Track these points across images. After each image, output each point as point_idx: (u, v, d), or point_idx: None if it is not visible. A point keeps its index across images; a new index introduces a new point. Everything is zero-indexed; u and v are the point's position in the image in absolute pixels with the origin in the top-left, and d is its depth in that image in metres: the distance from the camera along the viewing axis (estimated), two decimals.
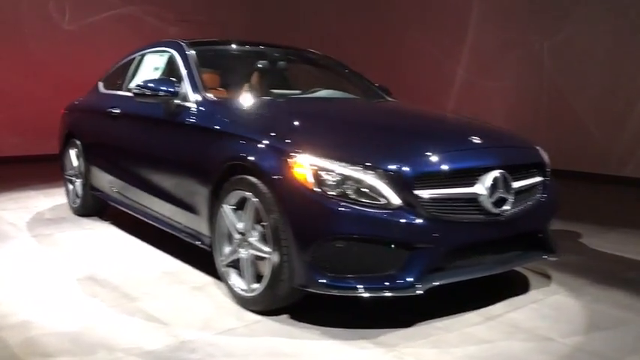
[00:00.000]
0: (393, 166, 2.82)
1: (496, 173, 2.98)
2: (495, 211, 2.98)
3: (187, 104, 3.72)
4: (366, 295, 2.80)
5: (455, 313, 3.09)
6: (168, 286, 3.49)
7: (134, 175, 4.30)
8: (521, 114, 8.30)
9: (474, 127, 3.73)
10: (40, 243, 4.46)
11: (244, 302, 3.12)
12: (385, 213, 2.76)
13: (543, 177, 3.36)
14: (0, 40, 8.99)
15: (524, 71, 8.34)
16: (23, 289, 3.46)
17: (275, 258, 2.88)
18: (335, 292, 2.80)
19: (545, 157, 3.46)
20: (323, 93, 4.41)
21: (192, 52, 4.11)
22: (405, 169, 2.82)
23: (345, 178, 2.78)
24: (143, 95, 3.79)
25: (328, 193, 2.76)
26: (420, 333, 2.87)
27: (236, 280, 3.19)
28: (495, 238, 3.09)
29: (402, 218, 2.77)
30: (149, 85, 3.78)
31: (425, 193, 2.82)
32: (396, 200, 2.78)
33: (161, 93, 3.76)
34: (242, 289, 3.13)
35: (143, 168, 4.19)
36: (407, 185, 2.79)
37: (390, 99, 4.63)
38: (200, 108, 3.64)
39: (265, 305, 3.03)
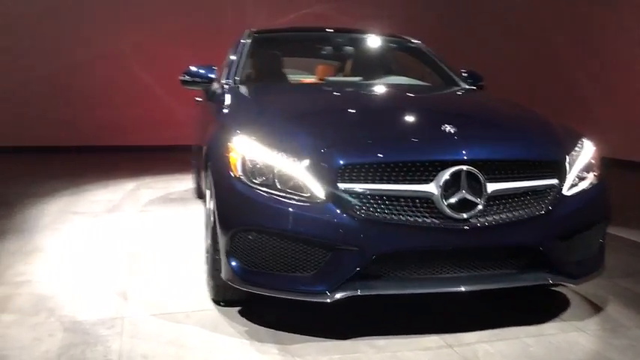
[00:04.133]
0: (320, 156, 2.49)
1: (456, 169, 2.44)
2: (455, 216, 2.44)
3: (218, 90, 3.77)
4: (277, 295, 2.54)
5: (417, 333, 2.63)
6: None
7: None
8: None
9: (482, 114, 3.24)
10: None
11: (209, 290, 3.06)
12: (305, 207, 2.45)
13: (558, 180, 2.65)
14: (204, 42, 10.06)
15: None
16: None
17: (210, 247, 2.77)
18: (250, 289, 2.59)
19: (569, 154, 2.75)
20: (383, 80, 4.08)
21: (246, 41, 4.14)
22: (331, 159, 2.47)
23: (269, 167, 2.54)
24: (186, 82, 3.93)
25: (253, 181, 2.55)
26: (346, 348, 2.51)
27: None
28: (456, 249, 2.53)
29: (324, 215, 2.44)
30: (190, 71, 3.91)
31: (355, 188, 2.44)
32: (320, 194, 2.45)
33: (198, 79, 3.86)
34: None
35: None
36: (332, 178, 2.44)
37: (463, 87, 4.06)
38: (221, 95, 3.65)
39: (215, 296, 2.94)
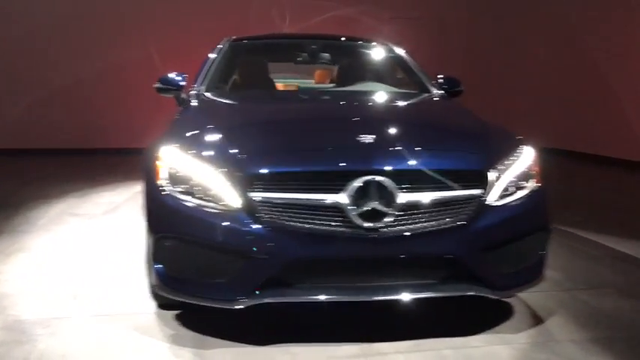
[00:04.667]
0: (235, 165, 2.54)
1: (365, 179, 2.45)
2: (364, 225, 2.45)
3: (184, 97, 3.86)
4: (193, 302, 2.60)
5: (336, 341, 2.65)
6: None
7: None
8: None
9: (416, 123, 3.23)
10: None
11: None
12: (219, 216, 2.51)
13: (482, 190, 2.61)
14: None
15: None
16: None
17: (145, 253, 2.86)
18: (170, 295, 2.67)
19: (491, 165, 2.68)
20: (353, 87, 4.09)
21: (221, 48, 4.23)
22: (244, 168, 2.52)
23: (190, 176, 2.60)
24: (160, 89, 4.03)
25: (175, 189, 2.62)
26: (261, 355, 2.55)
27: None
28: (368, 258, 2.52)
29: (236, 223, 2.49)
30: (163, 79, 4.01)
31: (266, 197, 2.48)
32: (234, 203, 2.50)
33: (170, 87, 3.96)
34: None
35: None
36: (245, 187, 2.49)
37: (432, 94, 4.01)
38: (182, 102, 3.74)
39: (155, 299, 3.03)
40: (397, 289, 2.56)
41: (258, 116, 3.33)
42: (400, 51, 4.50)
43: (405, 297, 2.56)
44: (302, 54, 4.39)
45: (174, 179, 2.62)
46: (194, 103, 3.62)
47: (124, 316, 2.94)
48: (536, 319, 2.96)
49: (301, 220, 2.46)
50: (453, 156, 2.72)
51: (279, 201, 2.47)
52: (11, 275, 3.57)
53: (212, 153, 2.64)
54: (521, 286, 2.79)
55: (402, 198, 2.48)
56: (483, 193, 2.61)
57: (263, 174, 2.49)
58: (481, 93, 10.28)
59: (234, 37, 4.43)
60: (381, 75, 4.34)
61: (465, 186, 2.59)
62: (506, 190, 2.71)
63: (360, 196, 2.44)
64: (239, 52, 4.41)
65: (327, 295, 2.52)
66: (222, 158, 2.59)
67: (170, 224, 2.61)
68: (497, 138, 2.94)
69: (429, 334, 2.73)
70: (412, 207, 2.51)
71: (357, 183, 2.44)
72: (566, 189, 6.76)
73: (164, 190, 2.62)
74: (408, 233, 2.49)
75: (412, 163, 2.57)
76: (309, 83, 4.89)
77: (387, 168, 2.50)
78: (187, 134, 2.86)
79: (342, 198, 2.44)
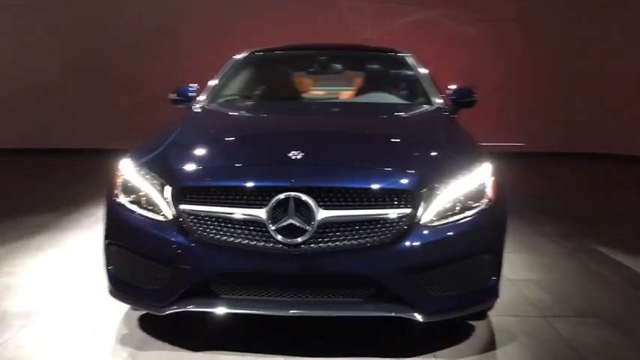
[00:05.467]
0: (172, 178, 2.69)
1: (283, 196, 2.50)
2: (283, 241, 2.50)
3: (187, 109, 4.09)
4: (132, 306, 2.78)
5: (267, 352, 2.72)
6: None
7: None
8: None
9: (366, 140, 3.19)
10: None
11: None
12: (153, 226, 2.66)
13: (413, 209, 2.56)
14: None
15: None
16: None
17: None
18: (117, 298, 2.85)
19: (415, 181, 2.60)
20: (357, 98, 4.12)
21: (235, 60, 4.42)
22: (176, 181, 2.66)
23: (137, 187, 2.77)
24: (174, 101, 4.29)
25: (125, 198, 2.80)
26: None
27: None
28: (287, 273, 2.56)
29: (165, 234, 2.63)
30: (177, 90, 4.26)
31: (193, 209, 2.60)
32: (168, 214, 2.66)
33: (182, 98, 4.19)
34: None
35: None
36: (176, 199, 2.63)
37: (428, 106, 3.94)
38: (184, 114, 3.96)
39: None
40: (318, 306, 2.58)
41: (222, 129, 3.46)
42: (411, 60, 4.42)
43: (326, 314, 2.58)
44: (312, 65, 4.47)
45: (126, 189, 2.81)
46: (185, 114, 3.83)
47: (101, 315, 3.16)
48: (487, 345, 2.84)
49: (225, 233, 2.56)
50: (380, 174, 2.66)
51: (204, 214, 2.58)
52: (22, 269, 3.93)
53: (157, 165, 2.80)
54: (457, 311, 2.69)
55: (322, 215, 2.49)
56: (412, 213, 2.55)
57: (191, 187, 2.62)
58: (571, 99, 9.74)
59: (252, 50, 4.60)
60: (390, 85, 4.31)
61: (390, 205, 2.55)
62: (450, 209, 2.63)
63: (279, 212, 2.50)
64: (253, 64, 4.57)
65: (249, 308, 2.59)
66: (163, 171, 2.75)
67: (116, 231, 2.80)
68: (448, 155, 2.87)
69: (363, 353, 2.72)
70: (332, 224, 2.51)
71: (276, 199, 2.50)
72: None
73: (117, 199, 2.83)
74: (327, 250, 2.50)
75: (334, 180, 2.57)
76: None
77: (308, 185, 2.52)
78: (148, 146, 3.05)
79: (262, 213, 2.51)
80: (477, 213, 2.69)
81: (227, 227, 2.56)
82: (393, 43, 9.85)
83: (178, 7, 10.18)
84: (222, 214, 2.56)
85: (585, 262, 4.17)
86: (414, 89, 4.19)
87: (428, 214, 2.59)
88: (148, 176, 2.76)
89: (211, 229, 2.57)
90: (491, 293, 2.77)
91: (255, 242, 2.53)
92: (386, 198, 2.55)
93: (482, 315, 3.09)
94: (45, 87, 10.28)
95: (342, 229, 2.52)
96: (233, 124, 3.63)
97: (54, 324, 3.08)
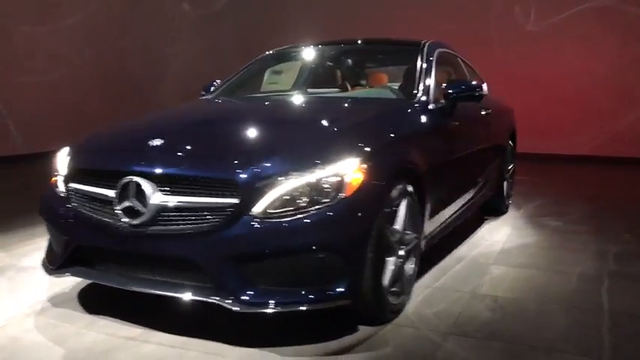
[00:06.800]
0: (69, 158, 3.11)
1: (126, 179, 2.72)
2: (125, 221, 2.72)
3: None
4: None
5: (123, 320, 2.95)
6: None
7: None
8: None
9: (256, 131, 3.26)
10: None
11: None
12: (55, 200, 3.08)
13: (242, 199, 2.57)
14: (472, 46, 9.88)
15: None
16: None
17: None
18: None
19: (244, 176, 2.59)
20: (351, 92, 4.16)
21: (260, 57, 4.67)
22: (69, 161, 3.07)
23: (63, 166, 3.17)
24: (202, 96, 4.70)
25: (57, 177, 3.18)
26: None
27: None
28: (131, 252, 2.77)
29: (59, 207, 3.03)
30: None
31: (74, 187, 2.98)
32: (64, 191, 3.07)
33: (205, 93, 4.61)
34: None
35: None
36: (65, 178, 3.05)
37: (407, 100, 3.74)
38: None
39: None
40: (153, 284, 2.75)
41: (154, 119, 3.76)
42: (426, 51, 4.15)
43: (158, 293, 2.72)
44: (323, 60, 4.50)
45: (60, 169, 3.27)
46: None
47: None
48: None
49: (90, 210, 2.88)
50: (211, 163, 2.73)
51: (80, 192, 2.94)
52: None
53: (76, 147, 3.21)
54: (285, 306, 2.60)
55: (156, 199, 2.65)
56: (241, 203, 2.56)
57: (73, 168, 3.01)
58: None
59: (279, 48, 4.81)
60: (388, 80, 4.17)
61: (217, 194, 2.60)
62: (291, 202, 2.59)
63: (124, 194, 2.72)
64: (270, 60, 4.77)
65: (103, 280, 2.89)
66: (73, 152, 3.16)
67: (41, 206, 3.24)
68: (308, 149, 2.81)
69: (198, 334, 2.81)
70: (166, 209, 2.65)
71: (121, 182, 2.73)
72: None
73: (52, 178, 3.31)
74: (160, 233, 2.66)
75: (168, 167, 2.71)
76: None
77: (147, 170, 2.71)
78: (96, 131, 3.49)
79: (112, 194, 2.76)
80: (322, 209, 2.59)
81: (92, 205, 2.88)
82: (559, 34, 9.09)
83: None
84: (89, 193, 2.90)
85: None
86: (411, 84, 3.94)
87: (261, 205, 2.57)
88: (67, 157, 3.19)
89: (84, 206, 2.92)
90: (336, 295, 2.63)
91: (107, 220, 2.79)
92: (213, 186, 2.62)
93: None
94: None
95: (173, 214, 2.66)
96: (168, 115, 3.92)
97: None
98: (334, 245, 2.61)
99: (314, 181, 2.61)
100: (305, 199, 2.59)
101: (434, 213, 3.53)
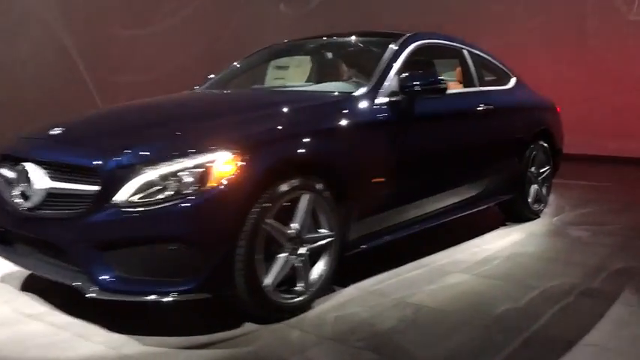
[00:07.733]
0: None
1: (18, 165, 2.90)
2: (17, 202, 2.89)
3: None
4: None
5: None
6: None
7: None
8: None
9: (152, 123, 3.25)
10: None
11: None
12: None
13: (103, 187, 2.63)
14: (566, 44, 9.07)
15: None
16: None
17: None
18: None
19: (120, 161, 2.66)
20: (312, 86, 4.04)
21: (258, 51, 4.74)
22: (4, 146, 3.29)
23: None
24: None
25: None
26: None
27: None
28: (26, 236, 2.94)
29: None
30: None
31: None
32: None
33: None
34: None
35: None
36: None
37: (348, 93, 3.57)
38: None
39: None
40: (44, 268, 2.90)
41: (115, 109, 3.90)
42: (393, 46, 3.88)
43: (45, 276, 2.90)
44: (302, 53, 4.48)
45: None
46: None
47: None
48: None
49: (4, 194, 3.06)
50: (78, 151, 2.86)
51: (2, 177, 3.13)
52: None
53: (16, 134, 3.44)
54: (143, 295, 2.62)
55: (40, 184, 2.79)
56: (102, 190, 2.62)
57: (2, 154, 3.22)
58: None
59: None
60: (352, 73, 4.00)
61: (81, 181, 2.70)
62: (153, 191, 2.60)
63: (20, 178, 2.89)
64: (264, 55, 4.77)
65: (18, 263, 3.06)
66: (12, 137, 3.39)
67: None
68: (178, 140, 2.83)
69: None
70: (50, 195, 2.78)
71: (18, 167, 2.91)
72: None
73: None
74: (41, 217, 2.80)
75: (44, 154, 2.89)
76: None
77: (32, 157, 2.89)
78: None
79: (12, 176, 2.96)
80: (180, 200, 2.58)
81: (6, 189, 3.07)
82: None
83: None
84: (6, 177, 3.10)
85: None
86: (366, 77, 3.73)
87: (123, 193, 2.61)
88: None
89: (3, 190, 3.12)
90: (185, 289, 2.60)
91: (12, 203, 2.96)
92: (78, 174, 2.72)
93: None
94: None
95: (52, 200, 2.79)
96: (128, 106, 3.99)
97: None
98: (187, 238, 2.59)
99: (175, 171, 2.60)
100: (169, 190, 2.59)
101: (367, 214, 3.34)
